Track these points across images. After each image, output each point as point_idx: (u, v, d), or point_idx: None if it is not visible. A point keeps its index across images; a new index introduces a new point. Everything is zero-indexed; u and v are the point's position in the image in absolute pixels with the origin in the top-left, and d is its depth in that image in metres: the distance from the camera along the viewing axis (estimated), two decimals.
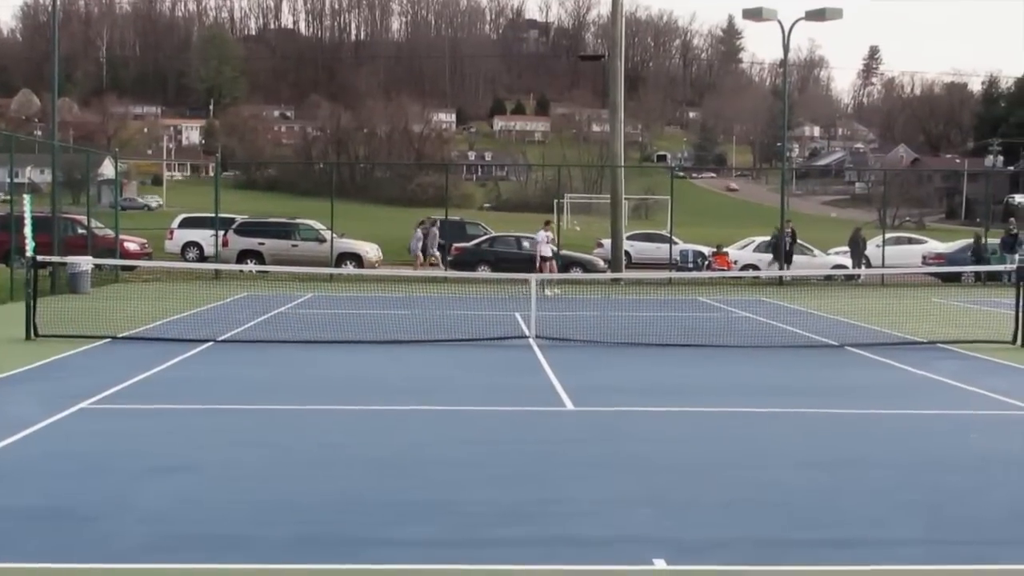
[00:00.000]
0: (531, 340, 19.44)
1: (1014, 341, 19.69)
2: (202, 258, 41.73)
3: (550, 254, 33.23)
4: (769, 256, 40.53)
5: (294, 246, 39.61)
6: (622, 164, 39.19)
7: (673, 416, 12.97)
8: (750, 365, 17.41)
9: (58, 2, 34.02)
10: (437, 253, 35.23)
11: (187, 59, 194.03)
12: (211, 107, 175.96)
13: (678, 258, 42.21)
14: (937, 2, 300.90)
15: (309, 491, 9.06)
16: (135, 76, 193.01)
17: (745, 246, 43.67)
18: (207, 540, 7.67)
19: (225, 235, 38.93)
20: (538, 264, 32.69)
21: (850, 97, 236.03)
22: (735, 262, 41.17)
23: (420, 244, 34.92)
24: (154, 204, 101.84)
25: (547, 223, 34.35)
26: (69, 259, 27.26)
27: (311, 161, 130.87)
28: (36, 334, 18.72)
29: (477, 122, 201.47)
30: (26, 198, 26.44)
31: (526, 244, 40.12)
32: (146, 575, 6.99)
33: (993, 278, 37.47)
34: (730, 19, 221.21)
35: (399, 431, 11.80)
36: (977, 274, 38.09)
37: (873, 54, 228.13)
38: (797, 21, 40.61)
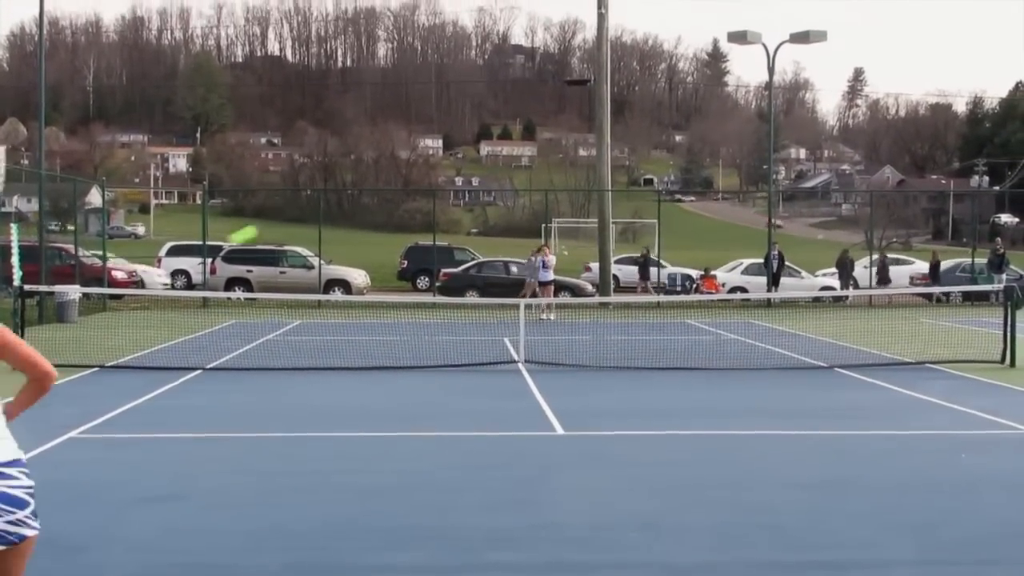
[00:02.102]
0: (520, 365, 19.42)
1: (1002, 361, 19.72)
2: (190, 286, 41.67)
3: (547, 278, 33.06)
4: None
5: (282, 273, 39.58)
6: (609, 188, 39.25)
7: (663, 439, 12.96)
8: (739, 388, 17.41)
9: (45, 31, 34.05)
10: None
11: (174, 87, 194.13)
12: (198, 135, 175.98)
13: (666, 281, 42.25)
14: (921, 24, 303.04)
15: (298, 518, 9.02)
16: (122, 104, 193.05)
17: (733, 269, 43.74)
18: (196, 569, 7.63)
19: (213, 263, 38.87)
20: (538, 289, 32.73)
21: (835, 119, 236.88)
22: (723, 285, 41.21)
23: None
24: (141, 232, 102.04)
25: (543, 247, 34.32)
26: (57, 288, 27.19)
27: (298, 188, 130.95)
28: None
29: (464, 147, 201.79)
30: (13, 227, 26.44)
31: (514, 269, 40.14)
32: None
33: (981, 298, 37.55)
34: (715, 42, 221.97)
35: (388, 458, 11.77)
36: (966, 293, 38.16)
37: (858, 76, 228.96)
38: (782, 44, 40.82)
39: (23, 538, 4.60)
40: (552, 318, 31.19)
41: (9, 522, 4.54)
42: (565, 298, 36.12)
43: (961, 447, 12.48)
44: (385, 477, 10.70)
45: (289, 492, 10.03)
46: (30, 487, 4.67)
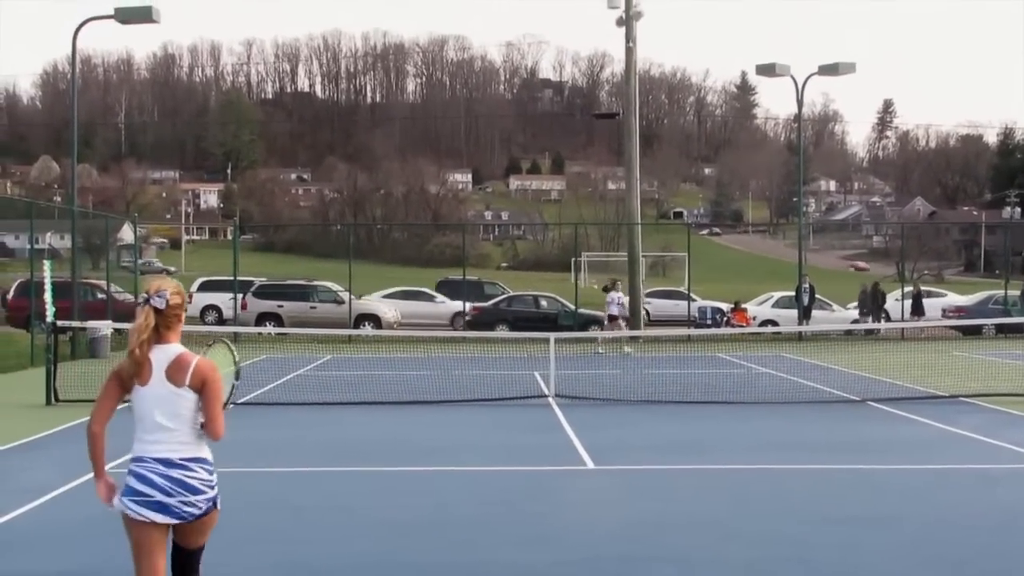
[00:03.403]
0: (550, 399, 19.38)
1: None
2: (221, 321, 41.83)
3: (616, 312, 33.08)
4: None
5: (312, 308, 39.69)
6: (639, 222, 39.24)
7: (694, 474, 12.90)
8: (771, 421, 17.32)
9: (77, 69, 34.40)
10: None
11: (205, 124, 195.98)
12: (229, 171, 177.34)
13: (697, 315, 42.13)
14: (950, 55, 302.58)
15: (329, 554, 9.03)
16: (153, 141, 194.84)
17: (764, 302, 43.59)
18: None
19: (244, 298, 39.01)
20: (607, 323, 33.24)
21: (865, 151, 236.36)
22: (754, 318, 41.05)
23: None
24: (160, 265, 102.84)
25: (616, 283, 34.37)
26: (89, 324, 27.31)
27: (328, 223, 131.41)
28: (56, 399, 18.77)
29: (493, 182, 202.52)
30: (46, 264, 26.62)
31: (544, 303, 40.21)
32: None
33: (1014, 330, 37.27)
34: (743, 75, 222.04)
35: (419, 493, 11.75)
36: (999, 326, 37.85)
37: (887, 107, 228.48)
38: (810, 76, 40.67)
39: (194, 516, 5.90)
40: (630, 351, 32.12)
41: (183, 502, 5.86)
42: (595, 332, 36.09)
43: (995, 481, 12.37)
44: (415, 512, 10.68)
45: (318, 527, 10.03)
46: (207, 480, 5.99)
